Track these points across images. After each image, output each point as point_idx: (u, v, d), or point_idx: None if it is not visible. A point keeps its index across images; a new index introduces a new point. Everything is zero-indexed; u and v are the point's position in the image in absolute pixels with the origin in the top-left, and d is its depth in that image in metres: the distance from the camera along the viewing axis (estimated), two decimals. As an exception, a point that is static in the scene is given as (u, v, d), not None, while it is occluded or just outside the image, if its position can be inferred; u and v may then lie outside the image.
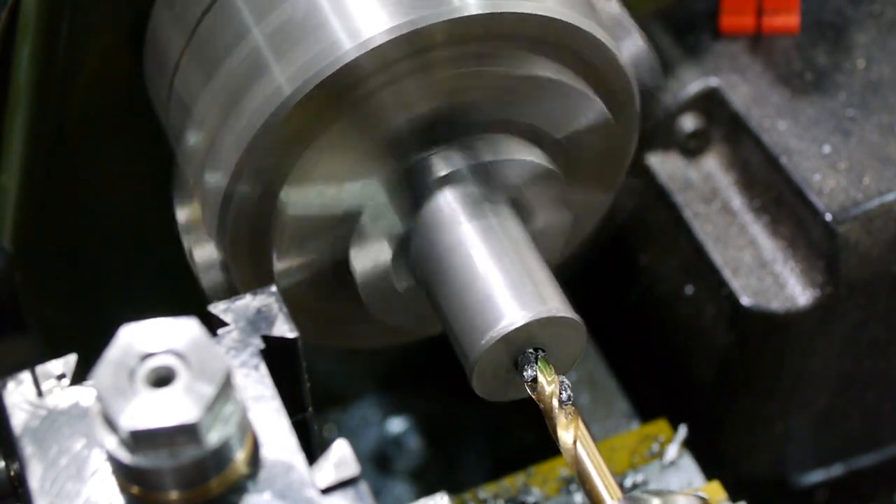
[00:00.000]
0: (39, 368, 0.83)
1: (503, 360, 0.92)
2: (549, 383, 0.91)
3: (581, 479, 0.89)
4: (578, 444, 0.90)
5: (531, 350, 0.92)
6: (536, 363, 0.92)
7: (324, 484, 0.78)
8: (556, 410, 0.91)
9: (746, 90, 1.23)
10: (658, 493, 0.85)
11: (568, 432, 0.90)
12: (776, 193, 1.21)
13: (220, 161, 0.95)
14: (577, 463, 0.89)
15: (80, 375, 0.83)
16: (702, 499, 0.86)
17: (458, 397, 1.37)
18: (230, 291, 1.01)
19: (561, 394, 0.91)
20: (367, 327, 1.07)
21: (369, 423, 1.45)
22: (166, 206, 1.05)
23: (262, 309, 0.86)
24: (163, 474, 0.75)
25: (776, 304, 1.19)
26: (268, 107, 0.92)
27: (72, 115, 1.11)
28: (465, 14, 0.91)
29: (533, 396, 0.93)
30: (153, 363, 0.75)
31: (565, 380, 0.92)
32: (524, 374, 0.92)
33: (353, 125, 0.93)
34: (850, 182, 1.17)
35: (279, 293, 0.87)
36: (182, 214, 1.01)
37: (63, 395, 0.82)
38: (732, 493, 1.10)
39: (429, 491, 0.93)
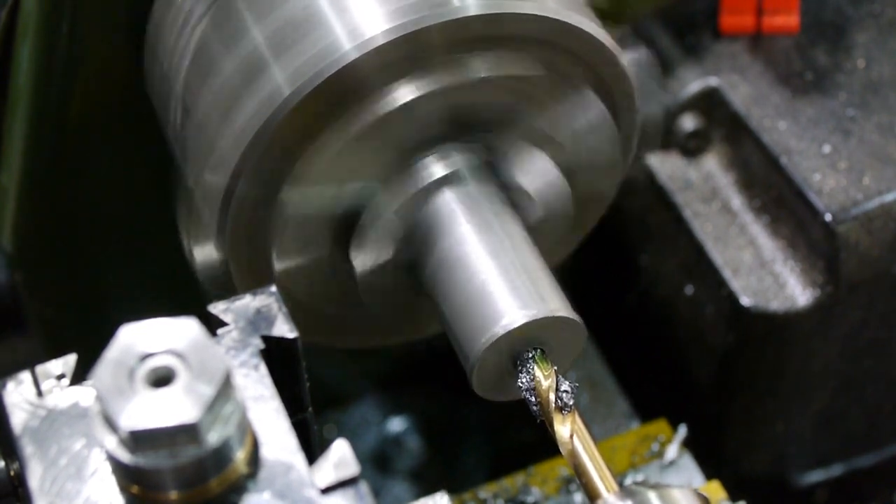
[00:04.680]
0: (39, 368, 0.83)
1: (503, 359, 0.92)
2: (545, 377, 0.91)
3: (577, 472, 0.89)
4: (575, 437, 0.90)
5: (530, 350, 0.92)
6: (534, 361, 0.92)
7: (324, 484, 0.78)
8: (553, 405, 0.91)
9: (746, 90, 1.23)
10: (654, 486, 0.85)
11: (564, 426, 0.90)
12: (776, 193, 1.21)
13: (219, 161, 0.95)
14: (573, 457, 0.90)
15: (79, 375, 0.83)
16: (697, 492, 0.86)
17: (458, 397, 1.37)
18: (230, 291, 1.01)
19: (558, 388, 0.91)
20: (366, 327, 1.07)
21: (369, 423, 1.45)
22: (166, 206, 1.05)
23: (261, 309, 0.86)
24: (162, 474, 0.75)
25: (776, 305, 1.19)
26: (267, 107, 0.92)
27: (72, 115, 1.11)
28: (465, 15, 0.91)
29: (526, 399, 0.92)
30: (153, 363, 0.75)
31: (568, 382, 0.92)
32: (522, 374, 0.92)
33: (353, 125, 0.93)
34: (850, 182, 1.17)
35: (279, 293, 0.87)
36: (182, 214, 1.01)
37: (63, 395, 0.82)
38: (732, 493, 1.10)
39: (429, 491, 0.93)
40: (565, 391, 0.91)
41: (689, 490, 0.87)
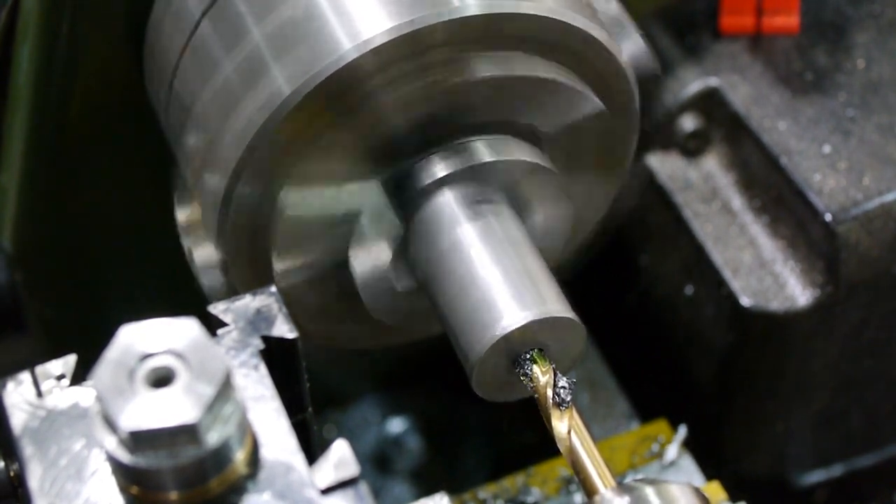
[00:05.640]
0: (39, 368, 0.83)
1: (502, 360, 0.92)
2: (543, 373, 0.91)
3: (575, 468, 0.90)
4: (572, 433, 0.90)
5: (530, 350, 0.92)
6: (533, 360, 0.92)
7: (323, 484, 0.78)
8: (551, 400, 0.91)
9: (746, 90, 1.23)
10: (652, 482, 0.85)
11: (562, 422, 0.90)
12: (776, 193, 1.21)
13: (219, 161, 0.95)
14: (571, 453, 0.90)
15: (79, 375, 0.83)
16: (695, 489, 0.86)
17: (458, 397, 1.37)
18: (230, 292, 1.01)
19: (556, 385, 0.91)
20: (367, 327, 1.07)
21: (369, 423, 1.45)
22: (166, 206, 1.05)
23: (261, 309, 0.86)
24: (162, 474, 0.75)
25: (776, 305, 1.19)
26: (267, 107, 0.92)
27: (72, 115, 1.11)
28: (465, 14, 0.91)
29: (534, 395, 0.93)
30: (153, 363, 0.75)
31: (566, 378, 0.92)
32: (522, 374, 0.92)
33: (353, 126, 0.93)
34: (850, 182, 1.17)
35: (279, 293, 0.87)
36: (182, 215, 1.01)
37: (62, 396, 0.82)
38: (732, 493, 1.10)
39: (429, 491, 0.93)
40: (563, 387, 0.91)
41: (687, 486, 0.86)
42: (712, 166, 1.26)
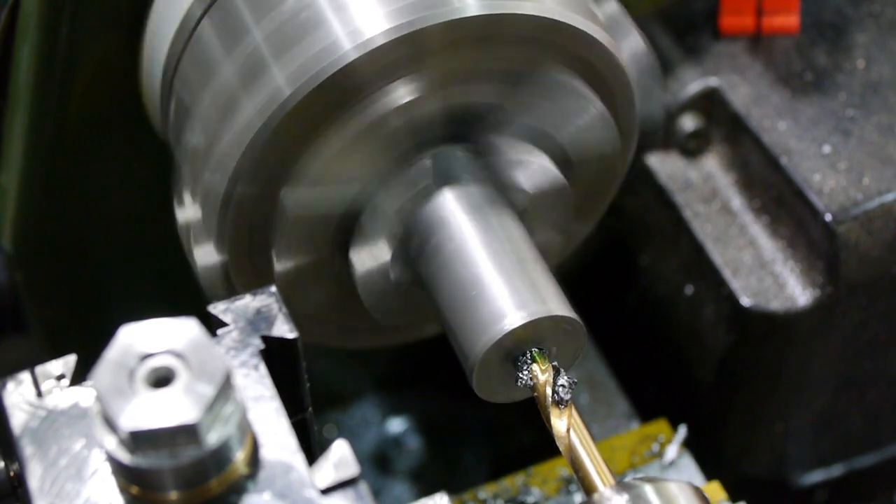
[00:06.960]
0: (39, 368, 0.83)
1: (502, 360, 0.92)
2: (542, 372, 0.91)
3: (574, 466, 0.90)
4: (571, 432, 0.90)
5: (530, 350, 0.92)
6: (533, 360, 0.92)
7: (324, 484, 0.78)
8: (550, 399, 0.91)
9: (746, 90, 1.23)
10: (651, 480, 0.85)
11: (561, 421, 0.90)
12: (776, 193, 1.21)
13: (219, 161, 0.95)
14: (570, 451, 0.90)
15: (79, 375, 0.83)
16: (694, 487, 0.86)
17: (458, 397, 1.37)
18: (230, 292, 1.01)
19: (555, 383, 0.91)
20: (366, 327, 1.07)
21: (369, 423, 1.45)
22: (166, 206, 1.05)
23: (261, 309, 0.86)
24: (162, 474, 0.75)
25: (776, 305, 1.19)
26: (267, 107, 0.92)
27: (72, 115, 1.11)
28: (465, 15, 0.91)
29: (533, 394, 0.93)
30: (153, 363, 0.75)
31: (567, 377, 0.92)
32: (522, 374, 0.92)
33: (353, 126, 0.93)
34: (850, 182, 1.17)
35: (279, 293, 0.87)
36: (182, 215, 1.01)
37: (63, 396, 0.82)
38: (732, 493, 1.10)
39: (429, 491, 0.93)
40: (562, 386, 0.91)
41: (686, 485, 0.87)
42: (712, 166, 1.26)
